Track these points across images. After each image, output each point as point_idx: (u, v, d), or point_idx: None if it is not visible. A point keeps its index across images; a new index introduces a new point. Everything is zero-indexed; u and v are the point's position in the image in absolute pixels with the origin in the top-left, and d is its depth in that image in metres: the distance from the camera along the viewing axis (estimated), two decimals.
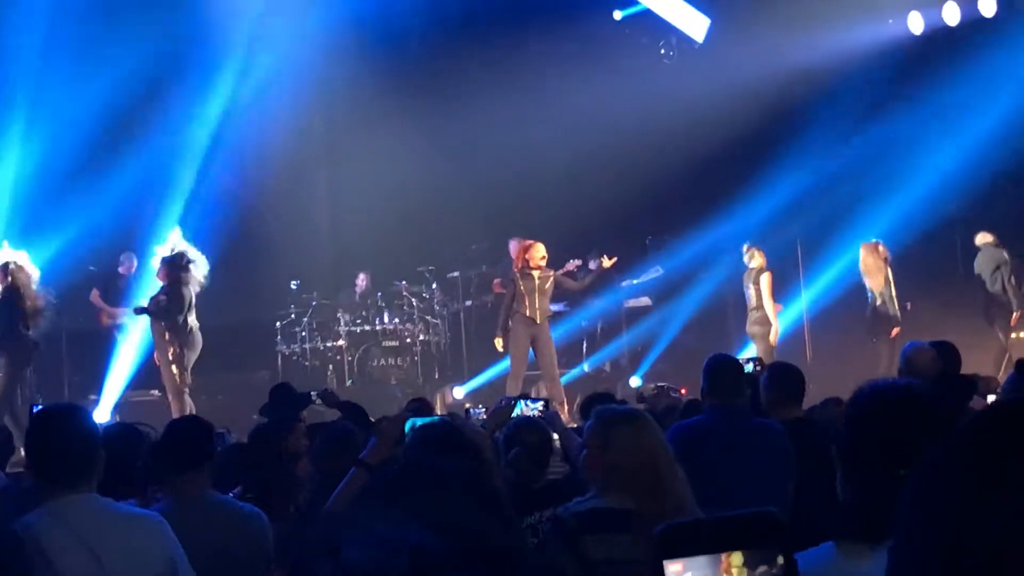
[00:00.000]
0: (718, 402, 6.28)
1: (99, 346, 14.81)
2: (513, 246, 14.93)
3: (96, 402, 13.65)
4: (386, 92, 17.16)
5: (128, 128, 16.30)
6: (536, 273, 13.92)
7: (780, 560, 1.14)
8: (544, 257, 14.08)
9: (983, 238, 15.17)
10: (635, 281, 17.16)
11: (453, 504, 1.72)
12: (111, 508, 4.24)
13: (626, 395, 12.57)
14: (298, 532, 5.30)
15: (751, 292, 14.58)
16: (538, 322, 13.85)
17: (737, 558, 1.15)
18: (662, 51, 18.02)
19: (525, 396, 8.74)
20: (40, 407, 4.70)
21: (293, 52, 17.08)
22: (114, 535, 4.11)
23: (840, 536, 2.48)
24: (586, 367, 16.76)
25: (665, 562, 1.15)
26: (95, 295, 15.29)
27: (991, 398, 8.55)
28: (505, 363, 14.01)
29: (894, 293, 14.69)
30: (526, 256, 14.04)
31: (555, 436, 6.52)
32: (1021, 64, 15.56)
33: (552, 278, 14.17)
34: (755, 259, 14.73)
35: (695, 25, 17.79)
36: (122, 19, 15.38)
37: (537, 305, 13.85)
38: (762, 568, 1.15)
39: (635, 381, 15.24)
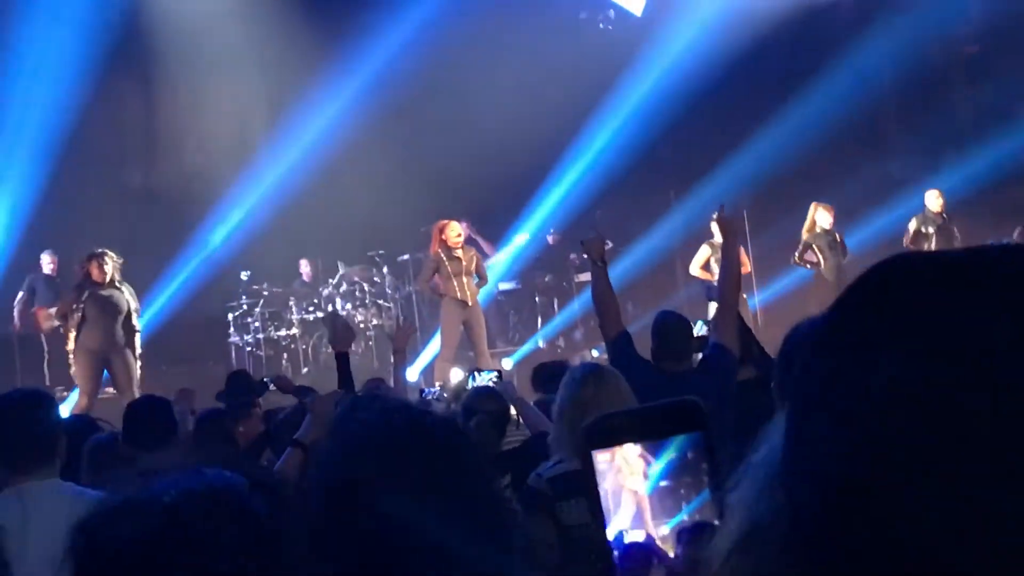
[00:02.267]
0: (670, 365, 6.24)
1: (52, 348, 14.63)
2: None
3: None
4: (329, 75, 17.13)
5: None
6: (460, 253, 13.72)
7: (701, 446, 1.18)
8: (460, 235, 13.83)
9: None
10: (585, 256, 17.17)
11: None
12: (74, 493, 4.18)
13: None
14: None
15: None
16: (470, 304, 13.65)
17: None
18: (600, 25, 18.09)
19: (478, 368, 8.78)
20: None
21: (228, 31, 17.05)
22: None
23: None
24: (540, 342, 16.79)
25: (594, 452, 1.19)
26: (20, 302, 15.06)
27: None
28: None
29: (841, 255, 14.82)
30: (442, 237, 13.73)
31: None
32: None
33: (475, 256, 14.04)
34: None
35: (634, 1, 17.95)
36: None
37: (467, 287, 13.65)
38: (686, 455, 1.19)
39: (594, 353, 15.26)
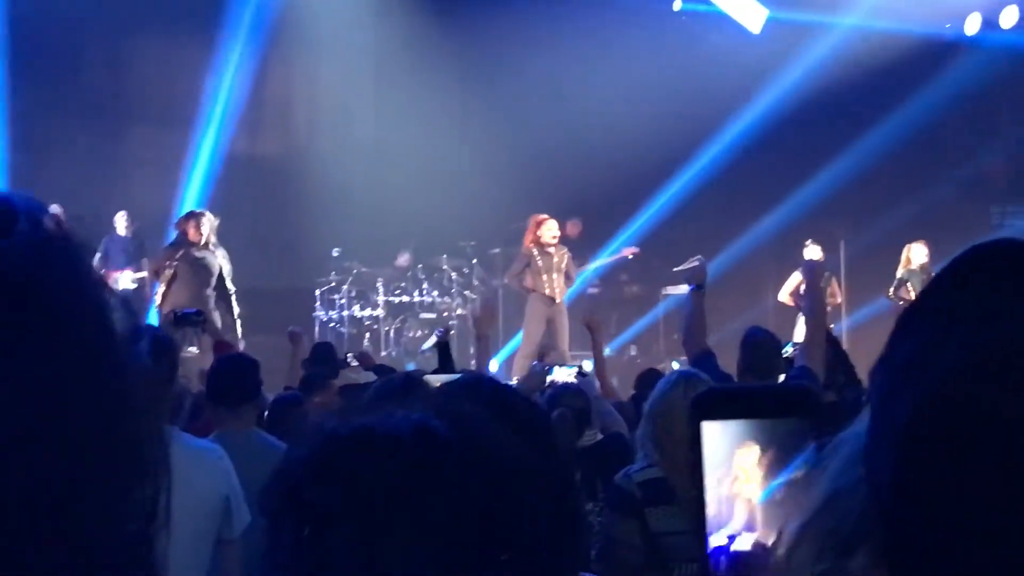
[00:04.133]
0: (753, 379, 6.26)
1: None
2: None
3: None
4: (435, 63, 17.20)
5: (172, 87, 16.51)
6: (553, 250, 13.71)
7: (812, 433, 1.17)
8: (556, 236, 13.83)
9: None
10: (675, 269, 17.11)
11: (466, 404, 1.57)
12: (175, 440, 4.23)
13: None
14: None
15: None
16: (557, 302, 13.67)
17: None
18: (716, 39, 18.00)
19: (559, 363, 8.77)
20: None
21: (343, 14, 17.19)
22: (177, 468, 4.09)
23: None
24: (607, 349, 16.76)
25: (702, 423, 1.19)
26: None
27: None
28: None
29: None
30: (537, 232, 13.77)
31: None
32: None
33: (568, 256, 14.01)
34: (815, 252, 14.82)
35: (753, 17, 17.81)
36: None
37: (556, 284, 13.67)
38: (792, 441, 1.19)
39: (675, 365, 15.19)
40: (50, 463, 0.67)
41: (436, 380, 4.80)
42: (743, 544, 1.18)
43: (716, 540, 1.17)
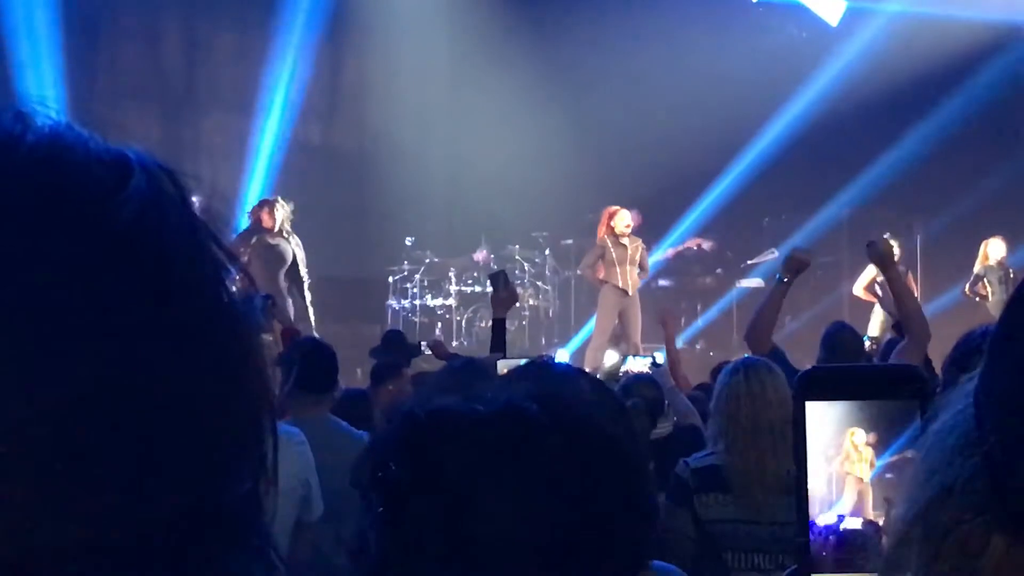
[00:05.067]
0: None
1: None
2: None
3: None
4: (510, 55, 17.20)
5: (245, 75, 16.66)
6: (627, 242, 13.67)
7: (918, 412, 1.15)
8: (629, 225, 13.72)
9: None
10: (749, 262, 17.04)
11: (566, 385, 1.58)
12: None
13: None
14: None
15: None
16: (630, 294, 13.59)
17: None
18: (794, 31, 17.87)
19: (634, 353, 8.71)
20: None
21: (419, 4, 17.26)
22: None
23: None
24: (678, 342, 16.67)
25: (807, 403, 1.17)
26: None
27: None
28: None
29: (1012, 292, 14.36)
30: (610, 223, 13.66)
31: None
32: None
33: (642, 247, 13.95)
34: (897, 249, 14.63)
35: (831, 9, 17.67)
36: None
37: (629, 276, 13.60)
38: (897, 433, 1.16)
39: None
40: (171, 426, 0.66)
41: (507, 366, 4.79)
42: (853, 523, 1.15)
43: (824, 519, 1.15)
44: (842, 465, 1.15)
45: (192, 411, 0.67)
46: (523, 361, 4.93)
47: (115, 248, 0.66)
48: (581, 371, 2.04)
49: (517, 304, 16.76)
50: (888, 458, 1.15)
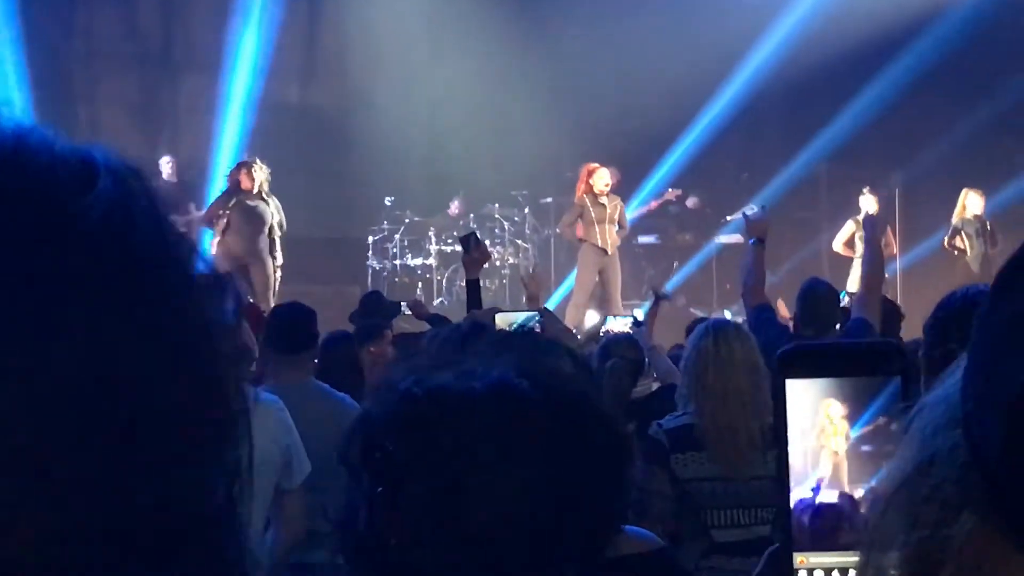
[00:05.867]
0: (812, 332, 6.19)
1: None
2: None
3: None
4: (490, 12, 17.13)
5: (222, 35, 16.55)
6: (605, 200, 13.59)
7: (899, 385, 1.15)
8: (608, 184, 13.66)
9: None
10: (729, 218, 17.03)
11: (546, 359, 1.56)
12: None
13: None
14: None
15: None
16: (609, 252, 13.56)
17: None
18: None
19: (613, 313, 8.70)
20: None
21: None
22: None
23: None
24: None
25: (787, 381, 1.17)
26: None
27: None
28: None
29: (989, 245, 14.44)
30: (589, 182, 13.59)
31: None
32: None
33: (620, 206, 13.90)
34: (870, 203, 14.68)
35: None
36: None
37: (608, 234, 13.55)
38: (873, 403, 1.16)
39: (727, 314, 15.11)
40: (142, 434, 0.66)
41: (506, 320, 4.79)
42: (829, 496, 1.16)
43: (799, 492, 1.16)
44: (818, 439, 1.15)
45: (162, 415, 0.66)
46: (520, 316, 4.92)
47: (82, 251, 0.66)
48: (560, 344, 2.04)
49: (498, 262, 16.83)
50: (861, 429, 1.15)
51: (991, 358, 0.75)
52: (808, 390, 1.18)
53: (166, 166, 15.40)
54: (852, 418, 1.16)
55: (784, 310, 8.64)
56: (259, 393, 4.33)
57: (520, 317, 4.89)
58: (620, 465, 1.47)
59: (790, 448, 1.16)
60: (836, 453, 1.16)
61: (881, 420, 1.15)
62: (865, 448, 1.15)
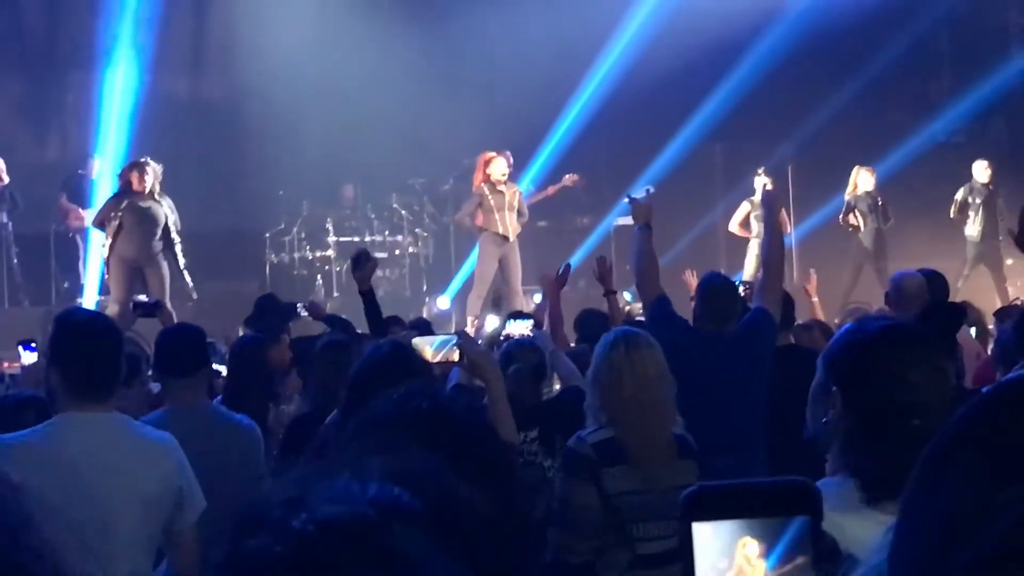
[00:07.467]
0: (713, 327, 6.17)
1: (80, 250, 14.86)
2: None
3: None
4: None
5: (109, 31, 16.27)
6: (503, 188, 13.60)
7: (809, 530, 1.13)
8: (505, 173, 13.68)
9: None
10: (626, 200, 17.05)
11: (414, 451, 1.45)
12: (129, 430, 4.07)
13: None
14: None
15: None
16: (510, 240, 13.59)
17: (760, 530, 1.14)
18: None
19: (517, 314, 8.63)
20: (64, 312, 4.50)
21: None
22: (129, 459, 3.96)
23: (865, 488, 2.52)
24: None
25: (694, 524, 1.15)
26: (63, 200, 15.11)
27: (973, 330, 8.60)
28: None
29: (882, 220, 14.68)
30: (486, 171, 13.60)
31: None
32: None
33: (519, 193, 13.92)
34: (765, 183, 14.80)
35: None
36: None
37: (508, 222, 13.56)
38: (786, 540, 1.14)
39: (627, 295, 15.16)
40: None
41: (424, 344, 4.73)
42: None
43: None
44: None
45: None
46: (437, 340, 4.85)
47: None
48: (469, 420, 2.01)
49: (398, 252, 16.76)
50: (777, 568, 1.13)
51: (935, 547, 0.78)
52: (722, 527, 1.15)
53: (95, 165, 15.16)
54: (766, 554, 1.14)
55: (693, 284, 8.61)
56: (153, 432, 4.23)
57: (436, 341, 4.83)
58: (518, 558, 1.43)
59: None
60: None
61: (800, 560, 1.14)
62: None
